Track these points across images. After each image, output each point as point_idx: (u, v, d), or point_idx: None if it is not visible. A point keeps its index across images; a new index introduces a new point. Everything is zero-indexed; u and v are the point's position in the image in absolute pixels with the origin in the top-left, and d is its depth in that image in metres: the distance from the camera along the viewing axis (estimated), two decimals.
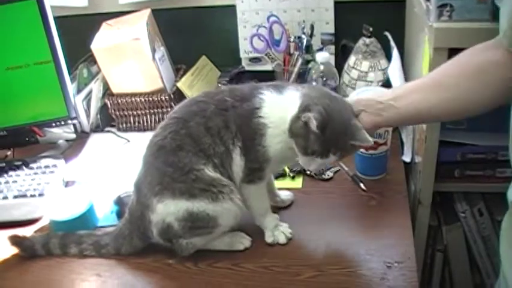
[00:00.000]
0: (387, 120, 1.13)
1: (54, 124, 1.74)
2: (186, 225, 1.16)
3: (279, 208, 1.35)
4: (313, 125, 1.05)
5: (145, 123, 1.83)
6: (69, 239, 1.28)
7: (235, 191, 1.17)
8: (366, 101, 1.16)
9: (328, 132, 1.08)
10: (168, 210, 1.16)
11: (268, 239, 1.25)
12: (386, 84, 1.59)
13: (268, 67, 1.81)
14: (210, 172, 1.14)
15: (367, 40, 1.65)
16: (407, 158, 1.51)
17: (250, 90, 1.18)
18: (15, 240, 1.29)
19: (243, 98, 1.16)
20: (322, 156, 1.12)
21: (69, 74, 1.71)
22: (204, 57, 1.97)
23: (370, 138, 1.10)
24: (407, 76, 1.62)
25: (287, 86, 1.18)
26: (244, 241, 1.25)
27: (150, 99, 1.77)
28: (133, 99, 1.78)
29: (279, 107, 1.14)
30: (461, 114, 1.12)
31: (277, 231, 1.25)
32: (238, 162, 1.16)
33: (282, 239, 1.24)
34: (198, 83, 1.86)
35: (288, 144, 1.14)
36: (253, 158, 1.16)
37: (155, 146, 1.18)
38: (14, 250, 1.29)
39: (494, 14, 1.17)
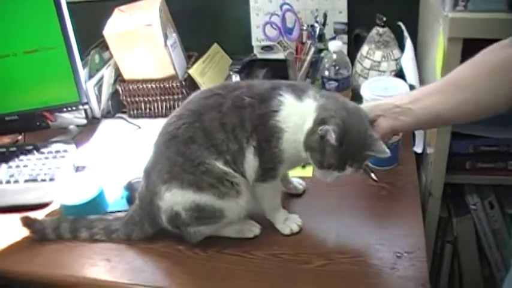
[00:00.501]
0: (405, 124, 1.11)
1: (65, 109, 1.75)
2: (192, 215, 1.16)
3: (291, 195, 1.35)
4: (332, 138, 1.03)
5: (156, 110, 1.83)
6: (80, 223, 1.29)
7: (243, 192, 1.16)
8: (383, 105, 1.14)
9: (345, 145, 1.05)
10: (175, 199, 1.16)
11: (284, 230, 1.24)
12: (399, 74, 1.58)
13: (281, 55, 1.80)
14: (221, 165, 1.13)
15: (381, 30, 1.65)
16: (418, 149, 1.50)
17: (269, 90, 1.14)
18: (27, 222, 1.30)
19: (262, 98, 1.13)
20: (339, 169, 1.10)
21: (81, 59, 1.71)
22: (215, 44, 1.96)
23: (387, 150, 1.07)
24: (420, 67, 1.61)
25: (306, 92, 1.14)
26: (254, 229, 1.25)
27: (162, 85, 1.77)
28: (144, 86, 1.78)
29: (297, 115, 1.11)
30: (479, 115, 1.08)
31: (289, 221, 1.26)
32: (251, 162, 1.15)
33: (295, 228, 1.25)
34: (210, 70, 1.86)
35: (303, 151, 1.12)
36: (267, 159, 1.14)
37: (167, 135, 1.17)
38: (25, 233, 1.30)
39: (511, 5, 1.16)
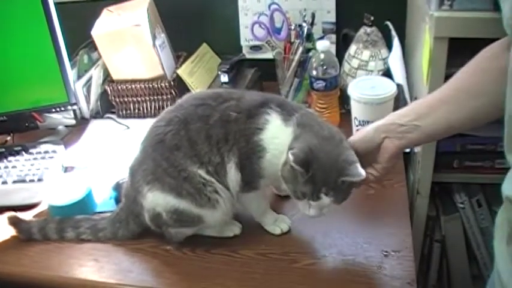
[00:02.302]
0: (412, 141, 1.07)
1: (54, 110, 1.75)
2: (172, 217, 1.17)
3: (279, 197, 1.35)
4: (290, 160, 1.01)
5: (145, 110, 1.83)
6: (66, 223, 1.29)
7: (219, 207, 1.16)
8: (386, 126, 1.09)
9: (313, 170, 1.03)
10: (157, 201, 1.17)
11: (275, 231, 1.25)
12: (387, 73, 1.59)
13: (269, 55, 1.80)
14: (203, 174, 1.14)
15: (368, 29, 1.65)
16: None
17: (258, 105, 1.13)
18: (13, 221, 1.30)
19: (249, 114, 1.12)
20: (313, 197, 1.06)
21: (70, 60, 1.71)
22: (204, 44, 1.96)
23: (363, 172, 1.03)
24: (408, 66, 1.61)
25: (292, 117, 1.11)
26: (234, 228, 1.26)
27: (150, 85, 1.77)
28: (133, 86, 1.78)
29: (280, 139, 1.10)
30: (491, 118, 1.03)
31: (278, 221, 1.26)
32: (233, 176, 1.15)
33: (285, 227, 1.25)
34: (199, 70, 1.86)
35: None
36: (248, 173, 1.15)
37: (155, 138, 1.17)
38: (12, 234, 1.30)
39: (496, 3, 1.16)
